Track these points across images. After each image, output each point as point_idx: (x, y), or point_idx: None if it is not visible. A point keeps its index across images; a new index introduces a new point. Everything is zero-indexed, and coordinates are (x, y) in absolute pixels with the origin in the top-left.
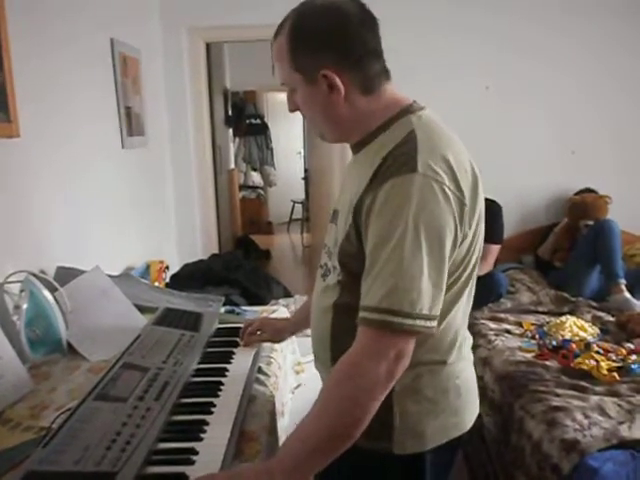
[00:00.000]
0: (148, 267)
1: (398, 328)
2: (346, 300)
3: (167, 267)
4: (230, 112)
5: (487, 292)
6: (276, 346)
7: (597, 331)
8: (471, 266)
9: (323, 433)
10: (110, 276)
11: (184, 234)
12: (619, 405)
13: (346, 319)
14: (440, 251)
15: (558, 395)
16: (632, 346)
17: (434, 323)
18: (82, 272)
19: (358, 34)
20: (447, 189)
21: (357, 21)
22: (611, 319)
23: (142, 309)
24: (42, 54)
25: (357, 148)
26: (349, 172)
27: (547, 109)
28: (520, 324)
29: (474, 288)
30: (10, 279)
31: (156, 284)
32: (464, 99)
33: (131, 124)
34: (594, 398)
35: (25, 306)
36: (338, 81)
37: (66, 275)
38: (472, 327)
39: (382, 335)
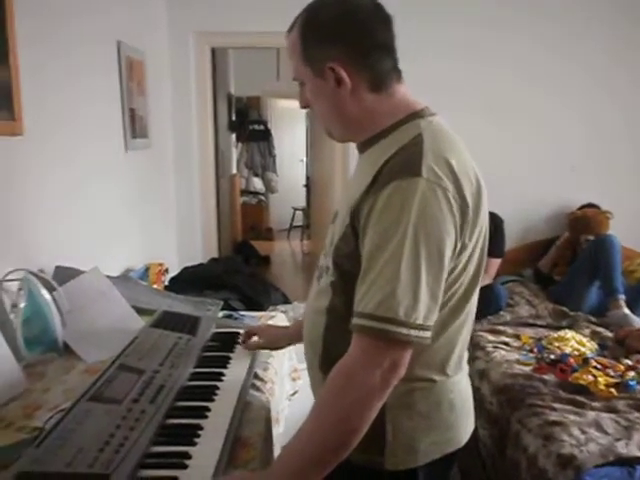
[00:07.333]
0: (147, 269)
1: (393, 337)
2: (338, 303)
3: (166, 270)
4: (234, 117)
5: (486, 304)
6: (273, 352)
7: (595, 346)
8: (469, 279)
9: (319, 444)
10: (109, 277)
11: (184, 237)
12: (616, 421)
13: (339, 324)
14: (439, 260)
15: (555, 409)
16: (630, 362)
17: (428, 334)
18: (81, 272)
19: (367, 27)
20: (450, 196)
21: (367, 14)
22: (610, 334)
23: (140, 311)
24: (50, 55)
25: (363, 148)
26: (354, 173)
27: (547, 124)
28: (518, 337)
29: (475, 305)
30: (9, 277)
31: (155, 286)
32: (465, 115)
33: (135, 126)
34: (591, 414)
35: (22, 305)
36: (344, 75)
37: (65, 275)
38: (471, 339)
39: (377, 344)
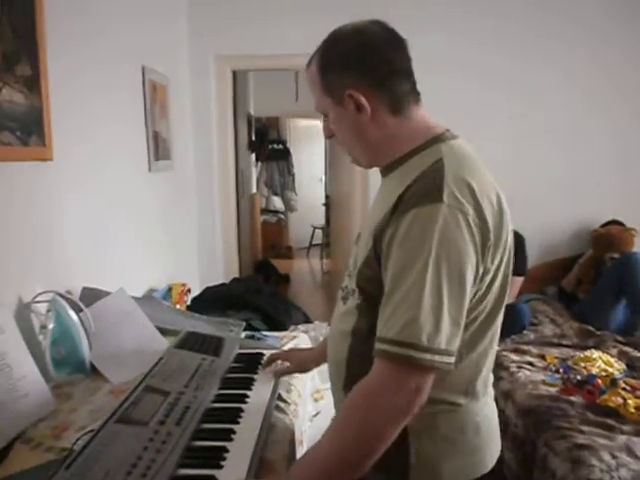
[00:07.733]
0: (170, 289)
1: (416, 363)
2: (363, 326)
3: (189, 290)
4: (253, 137)
5: (510, 323)
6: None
7: (623, 366)
8: (492, 302)
9: (335, 460)
10: (133, 298)
11: (206, 257)
12: None
13: (363, 346)
14: (461, 285)
15: (583, 432)
16: None
17: (452, 359)
18: (107, 293)
19: (383, 53)
20: (471, 220)
21: (382, 41)
22: (638, 355)
23: (164, 331)
24: (76, 80)
25: (385, 172)
26: (377, 196)
27: (571, 140)
28: (543, 357)
29: (499, 328)
30: (37, 299)
31: (178, 307)
32: (487, 131)
33: (158, 148)
34: (622, 437)
35: (51, 326)
36: (364, 100)
37: (91, 296)
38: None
39: (400, 369)
